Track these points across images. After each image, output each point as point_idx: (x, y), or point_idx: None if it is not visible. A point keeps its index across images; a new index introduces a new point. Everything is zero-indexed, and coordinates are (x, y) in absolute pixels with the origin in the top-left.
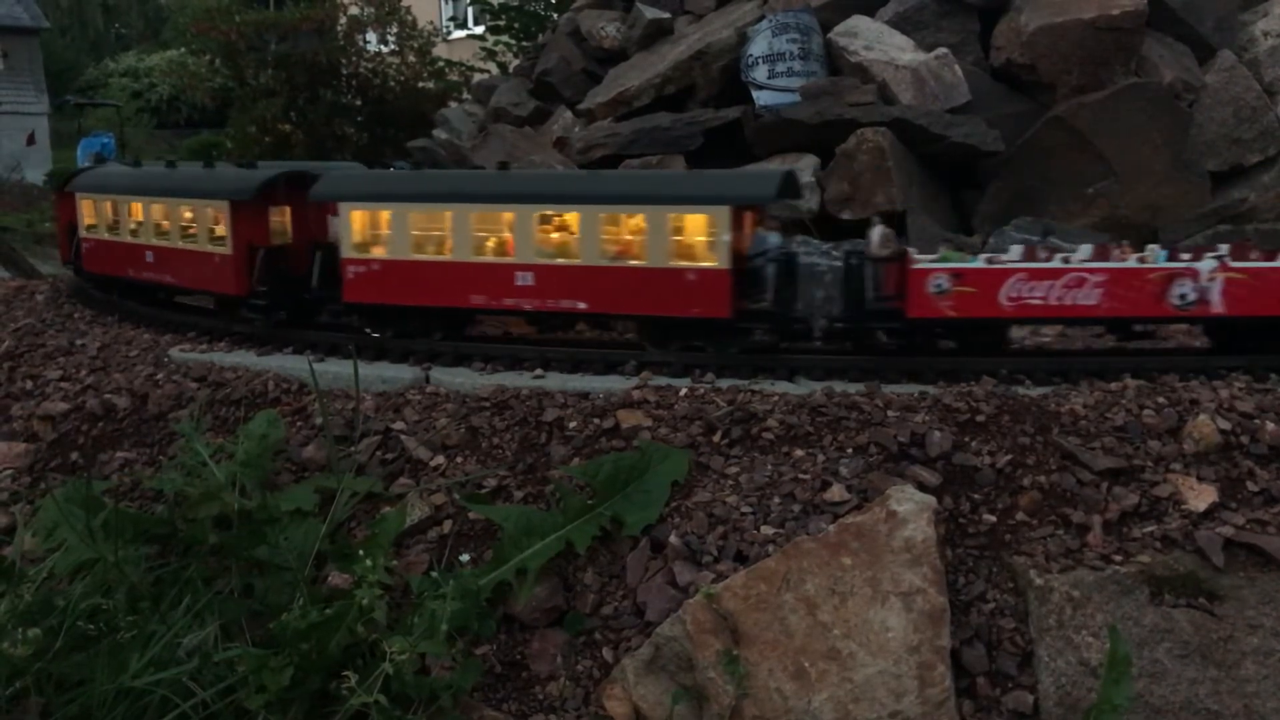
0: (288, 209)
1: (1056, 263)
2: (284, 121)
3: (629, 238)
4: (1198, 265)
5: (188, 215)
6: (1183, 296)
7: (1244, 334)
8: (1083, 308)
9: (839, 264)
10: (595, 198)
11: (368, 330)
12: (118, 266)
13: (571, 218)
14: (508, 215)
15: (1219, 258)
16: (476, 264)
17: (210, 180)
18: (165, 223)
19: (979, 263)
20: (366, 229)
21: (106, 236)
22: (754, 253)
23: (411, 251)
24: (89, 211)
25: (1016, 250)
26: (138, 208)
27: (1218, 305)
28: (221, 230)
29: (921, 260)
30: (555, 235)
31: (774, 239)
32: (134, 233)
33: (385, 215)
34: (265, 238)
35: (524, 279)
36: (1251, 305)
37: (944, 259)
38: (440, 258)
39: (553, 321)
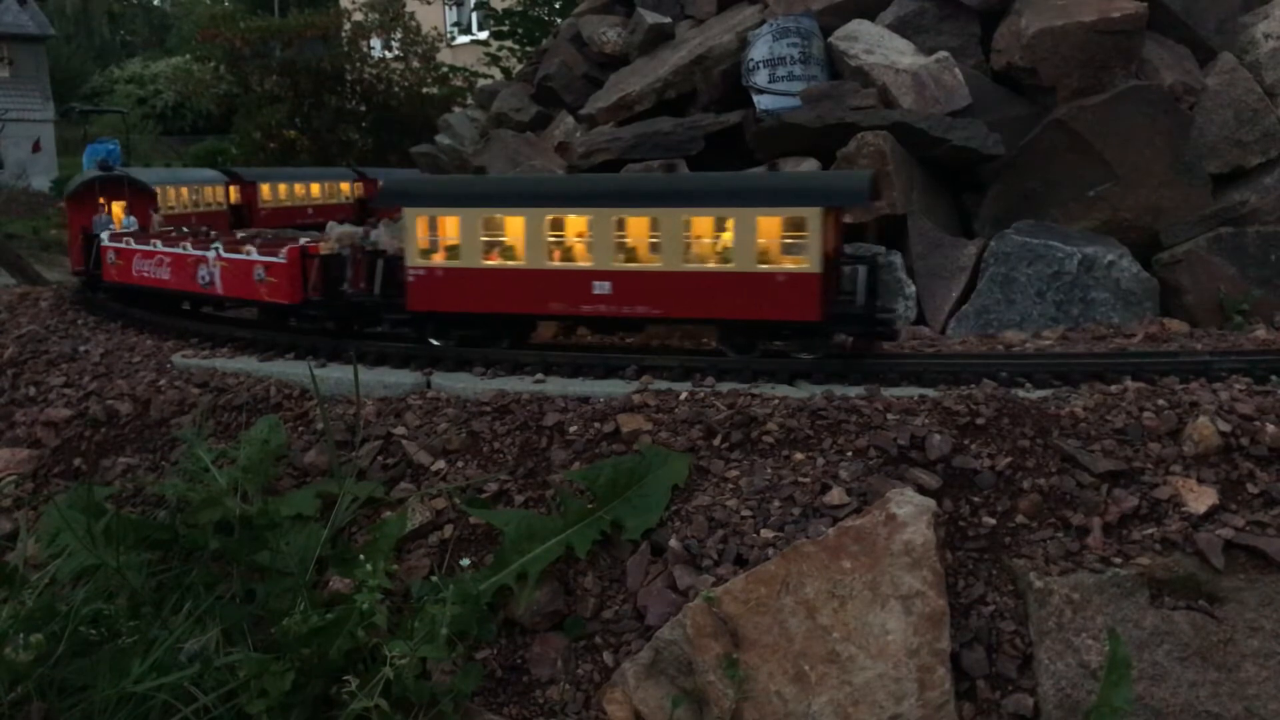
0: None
1: (149, 246)
2: (289, 127)
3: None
4: (207, 253)
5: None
6: (204, 278)
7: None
8: (164, 281)
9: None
10: None
11: None
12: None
13: None
14: None
15: (217, 248)
16: None
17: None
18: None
19: (126, 244)
20: None
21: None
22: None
23: None
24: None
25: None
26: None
27: (219, 287)
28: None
29: (106, 240)
30: None
31: (128, 221)
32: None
33: None
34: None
35: None
36: (234, 288)
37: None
38: None
39: None
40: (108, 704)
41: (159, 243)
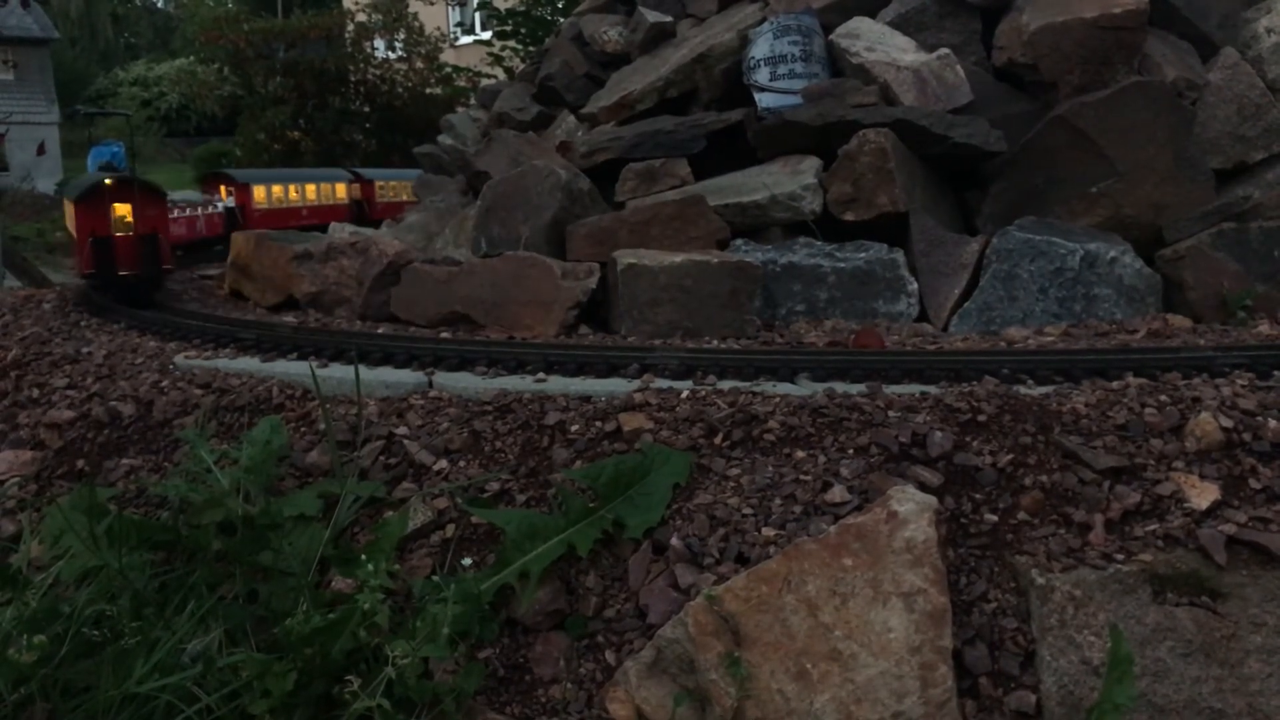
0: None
1: None
2: (293, 129)
3: None
4: None
5: None
6: None
7: None
8: None
9: None
10: None
11: None
12: None
13: None
14: None
15: None
16: None
17: None
18: None
19: None
20: None
21: None
22: None
23: None
24: None
25: None
26: None
27: None
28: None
29: None
30: None
31: None
32: None
33: None
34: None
35: None
36: None
37: None
38: None
39: None
40: (111, 704)
41: None
